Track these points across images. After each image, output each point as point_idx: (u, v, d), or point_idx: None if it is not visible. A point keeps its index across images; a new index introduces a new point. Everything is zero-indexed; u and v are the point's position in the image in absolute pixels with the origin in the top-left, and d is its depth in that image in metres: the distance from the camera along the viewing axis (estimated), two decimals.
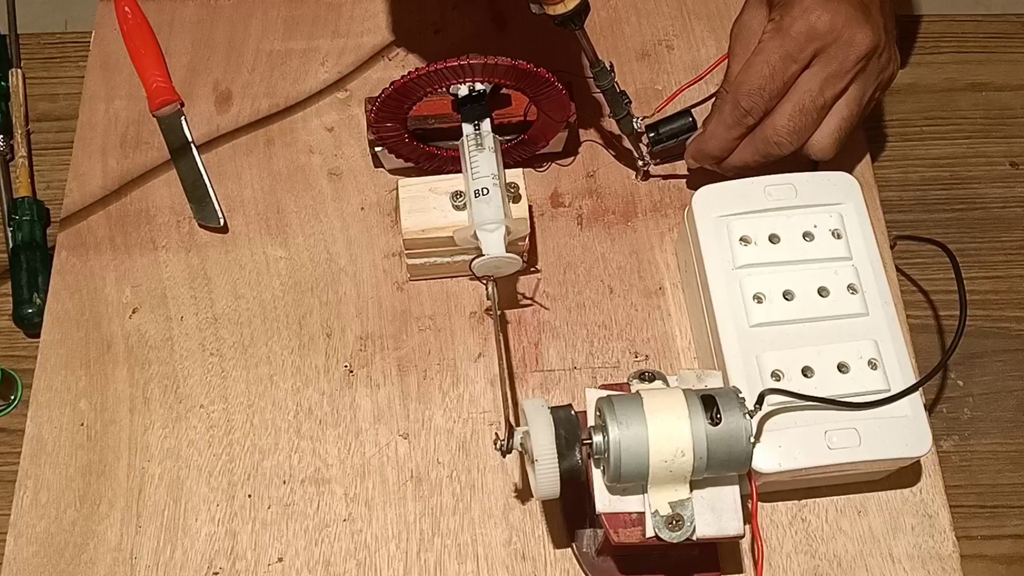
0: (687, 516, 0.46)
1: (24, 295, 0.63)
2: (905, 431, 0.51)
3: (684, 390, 0.45)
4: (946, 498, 0.56)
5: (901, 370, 0.52)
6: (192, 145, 0.66)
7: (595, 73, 0.58)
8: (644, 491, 0.46)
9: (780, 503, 0.56)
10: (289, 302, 0.62)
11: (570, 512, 0.55)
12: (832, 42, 0.54)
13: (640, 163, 0.64)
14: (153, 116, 0.67)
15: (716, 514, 0.46)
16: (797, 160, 0.58)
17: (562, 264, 0.63)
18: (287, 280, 0.62)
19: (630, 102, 0.66)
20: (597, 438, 0.45)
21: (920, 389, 0.52)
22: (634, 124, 0.65)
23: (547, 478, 0.45)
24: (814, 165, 0.62)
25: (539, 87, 0.56)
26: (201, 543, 0.55)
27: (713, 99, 0.60)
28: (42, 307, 0.62)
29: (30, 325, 0.63)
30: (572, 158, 0.66)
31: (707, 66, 0.66)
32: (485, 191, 0.55)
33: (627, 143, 0.66)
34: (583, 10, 0.54)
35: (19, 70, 0.72)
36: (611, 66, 0.57)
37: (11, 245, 0.65)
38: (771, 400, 0.49)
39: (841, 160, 0.59)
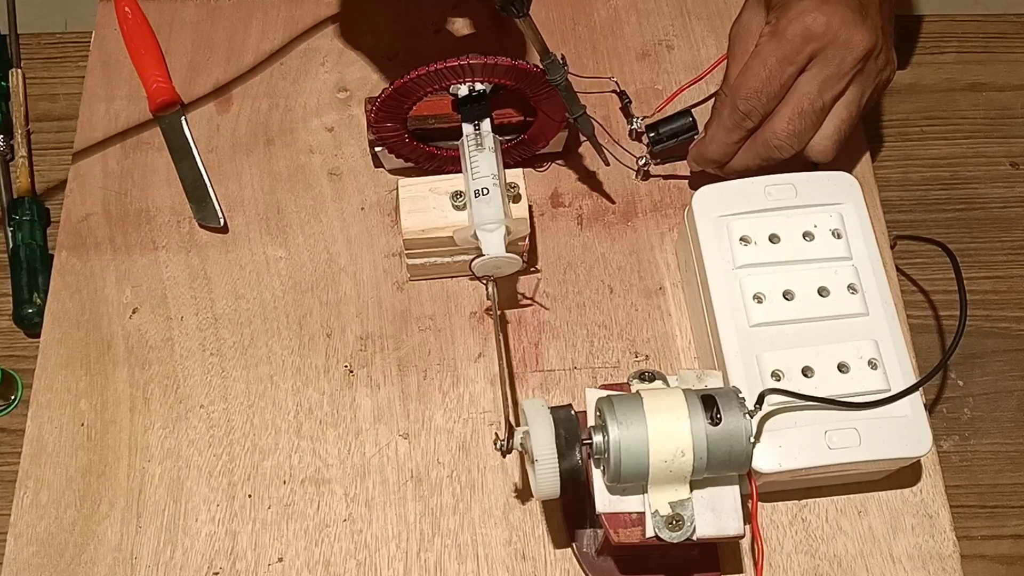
0: (687, 516, 0.46)
1: (24, 295, 0.63)
2: (905, 431, 0.51)
3: (684, 390, 0.46)
4: (946, 498, 0.56)
5: (901, 370, 0.52)
6: (192, 145, 0.66)
7: (546, 66, 0.53)
8: (644, 491, 0.46)
9: (780, 503, 0.56)
10: (289, 302, 0.62)
11: (570, 512, 0.55)
12: (829, 44, 0.54)
13: (605, 162, 0.63)
14: (153, 116, 0.67)
15: (716, 514, 0.46)
16: (797, 161, 0.58)
17: (562, 264, 0.63)
18: (287, 280, 0.62)
19: (630, 101, 0.66)
20: (597, 438, 0.45)
21: (920, 389, 0.51)
22: (634, 124, 0.66)
23: (547, 478, 0.45)
24: (814, 165, 0.62)
25: (539, 87, 0.56)
26: (201, 543, 0.55)
27: (713, 100, 0.60)
28: (42, 307, 0.62)
29: (30, 325, 0.63)
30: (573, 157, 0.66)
31: (707, 66, 0.66)
32: (485, 191, 0.55)
33: (624, 143, 0.66)
34: None
35: (19, 70, 0.72)
36: (563, 59, 0.54)
37: (11, 245, 0.65)
38: (771, 400, 0.49)
39: (841, 160, 0.59)
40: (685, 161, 0.65)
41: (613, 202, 0.65)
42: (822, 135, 0.57)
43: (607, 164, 0.62)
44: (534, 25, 0.51)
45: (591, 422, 0.47)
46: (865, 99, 0.57)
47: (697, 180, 0.62)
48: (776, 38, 0.55)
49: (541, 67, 0.53)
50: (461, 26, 0.71)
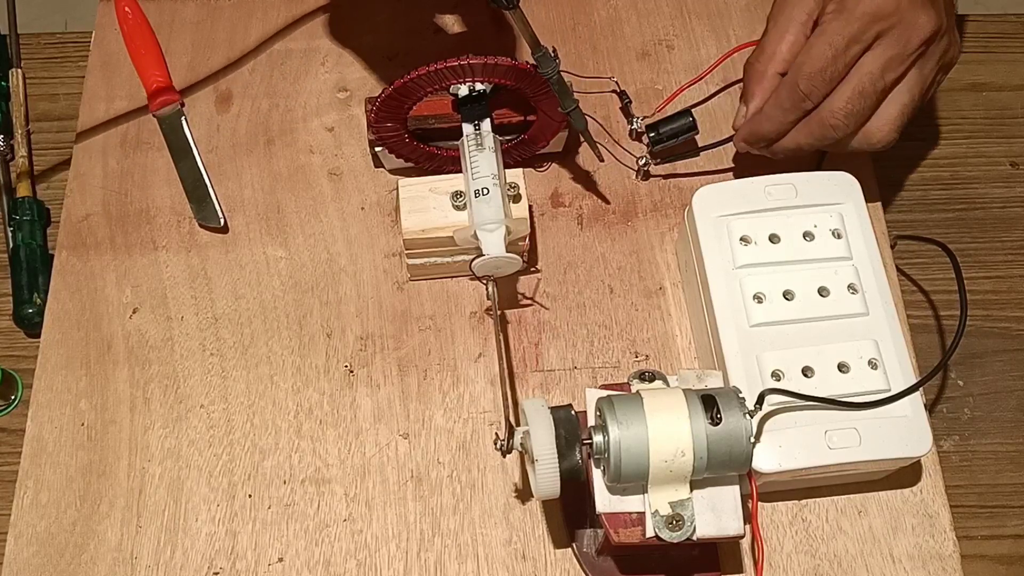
0: (687, 516, 0.46)
1: (24, 295, 0.63)
2: (905, 431, 0.51)
3: (684, 390, 0.46)
4: (946, 498, 0.56)
5: (901, 370, 0.52)
6: (192, 145, 0.66)
7: (537, 59, 0.53)
8: (644, 491, 0.46)
9: (780, 503, 0.56)
10: (289, 302, 0.62)
11: (570, 512, 0.55)
12: (896, 24, 0.53)
13: (600, 158, 0.62)
14: (153, 116, 0.67)
15: (716, 514, 0.46)
16: (805, 160, 0.58)
17: (562, 264, 0.63)
18: (287, 280, 0.62)
19: (630, 101, 0.67)
20: (597, 438, 0.45)
21: (920, 389, 0.52)
22: (634, 124, 0.66)
23: (547, 478, 0.45)
24: (817, 164, 0.62)
25: (539, 87, 0.56)
26: (201, 543, 0.55)
27: (744, 69, 0.59)
28: (42, 307, 0.62)
29: (30, 325, 0.63)
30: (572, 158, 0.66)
31: (707, 66, 0.66)
32: (485, 191, 0.55)
33: (624, 143, 0.66)
34: None
35: (19, 70, 0.72)
36: (555, 52, 0.53)
37: (11, 245, 0.65)
38: (771, 400, 0.49)
39: (841, 160, 0.59)
40: (685, 161, 0.65)
41: (612, 202, 0.65)
42: (884, 120, 0.56)
43: (601, 160, 0.62)
44: (525, 18, 0.50)
45: (591, 422, 0.47)
46: (928, 82, 0.56)
47: (742, 163, 0.62)
48: (843, 16, 0.54)
49: (533, 61, 0.53)
50: (461, 26, 0.71)
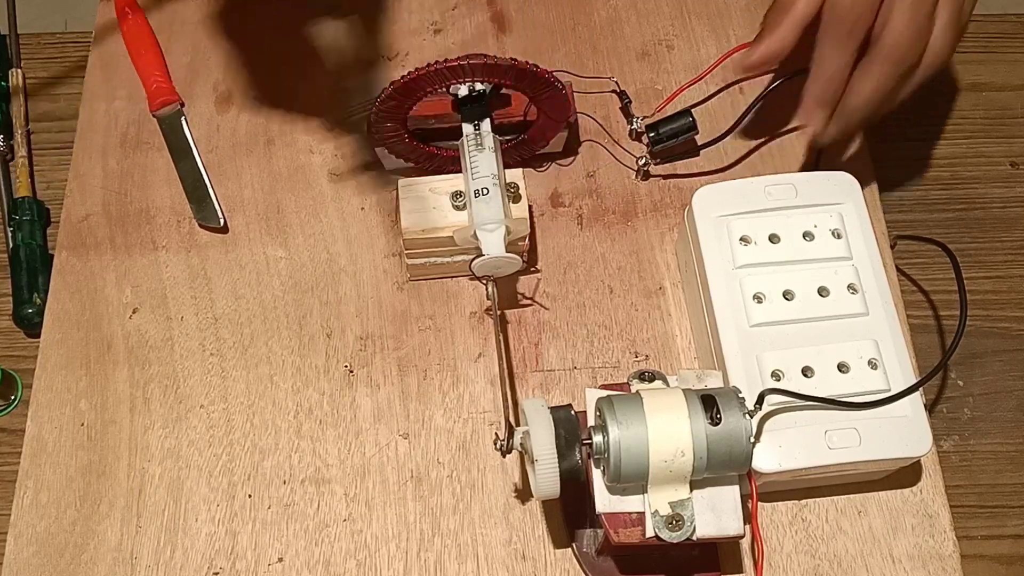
0: (687, 516, 0.46)
1: (24, 295, 0.63)
2: (905, 431, 0.51)
3: (684, 390, 0.45)
4: (946, 498, 0.56)
5: (901, 370, 0.52)
6: (192, 145, 0.66)
7: None
8: (644, 491, 0.46)
9: (780, 503, 0.56)
10: (289, 302, 0.62)
11: (570, 512, 0.55)
12: None
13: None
14: (153, 116, 0.67)
15: (716, 514, 0.46)
16: (804, 163, 0.58)
17: (562, 264, 0.63)
18: (287, 280, 0.62)
19: (630, 101, 0.67)
20: (597, 438, 0.45)
21: (920, 389, 0.52)
22: (634, 124, 0.66)
23: (547, 478, 0.45)
24: (816, 164, 0.62)
25: (539, 87, 0.56)
26: (201, 543, 0.55)
27: (763, 19, 0.56)
28: (42, 307, 0.62)
29: (30, 325, 0.63)
30: (572, 158, 0.66)
31: (707, 66, 0.66)
32: (485, 191, 0.55)
33: (624, 143, 0.66)
34: None
35: (19, 70, 0.72)
36: None
37: (11, 245, 0.65)
38: (771, 400, 0.49)
39: (841, 160, 0.59)
40: (685, 161, 0.65)
41: (612, 202, 0.65)
42: (940, 29, 0.52)
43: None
44: None
45: (591, 422, 0.47)
46: None
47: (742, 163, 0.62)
48: None
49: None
50: (461, 26, 0.71)
